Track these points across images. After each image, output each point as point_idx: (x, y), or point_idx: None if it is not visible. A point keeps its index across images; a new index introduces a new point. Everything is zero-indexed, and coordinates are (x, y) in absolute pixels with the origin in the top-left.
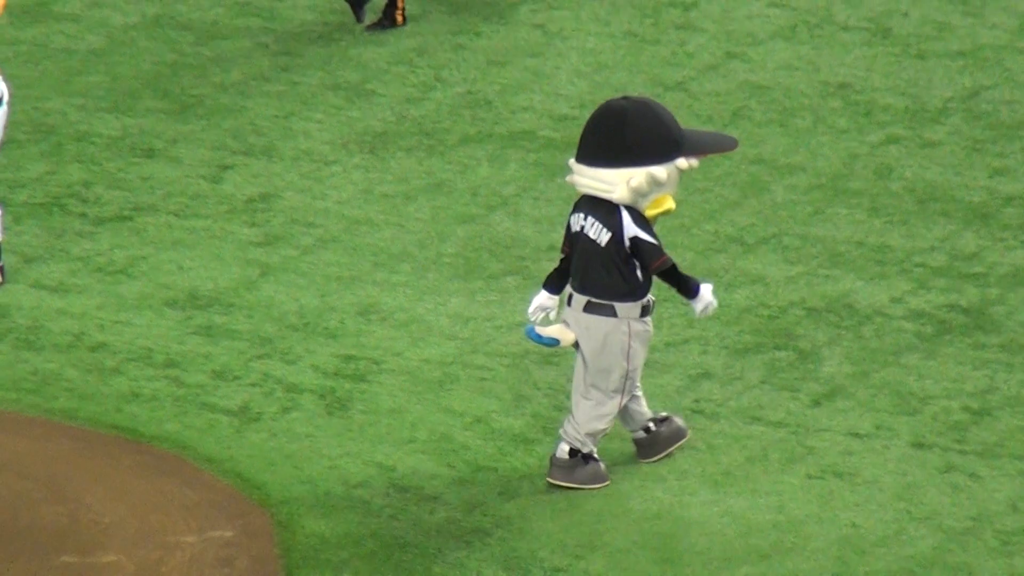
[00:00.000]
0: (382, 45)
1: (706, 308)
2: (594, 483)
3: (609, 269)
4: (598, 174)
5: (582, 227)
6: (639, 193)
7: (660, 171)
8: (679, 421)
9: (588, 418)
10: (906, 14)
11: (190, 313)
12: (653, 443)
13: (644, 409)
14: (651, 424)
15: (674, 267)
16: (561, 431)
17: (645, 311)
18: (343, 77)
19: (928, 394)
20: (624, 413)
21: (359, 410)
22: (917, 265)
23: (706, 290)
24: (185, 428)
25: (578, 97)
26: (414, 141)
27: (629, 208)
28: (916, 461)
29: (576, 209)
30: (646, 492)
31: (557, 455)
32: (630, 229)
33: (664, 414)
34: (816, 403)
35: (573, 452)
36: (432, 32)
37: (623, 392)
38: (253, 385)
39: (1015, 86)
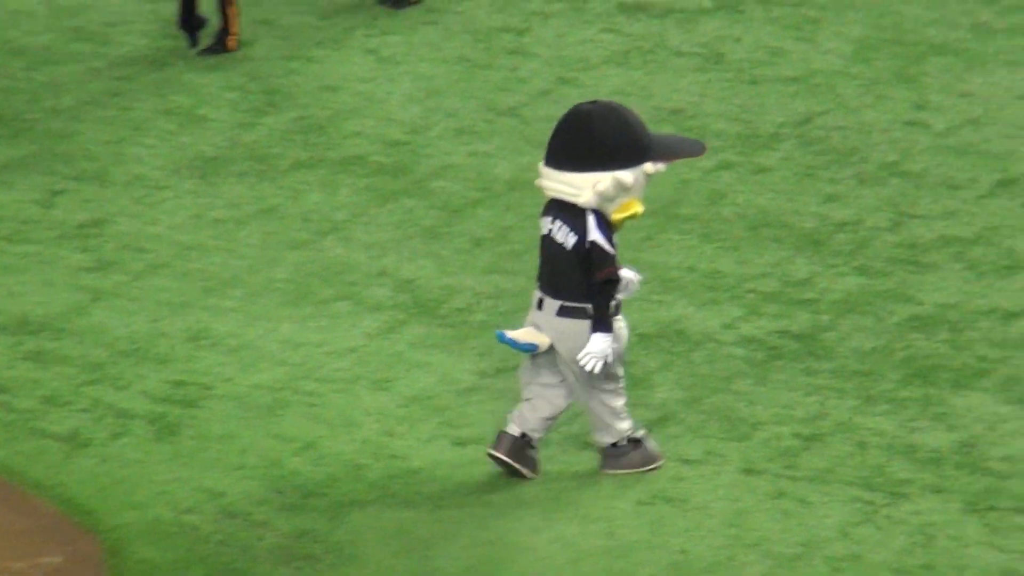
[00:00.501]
0: (214, 70)
1: (595, 353)
2: (651, 464)
3: (578, 272)
4: (565, 178)
5: (550, 230)
6: (606, 198)
7: (627, 176)
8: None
9: (611, 418)
10: (739, 40)
11: (20, 338)
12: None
13: (552, 413)
14: (533, 434)
15: (615, 284)
16: (596, 437)
17: (616, 310)
18: (175, 102)
19: (758, 420)
20: (538, 421)
21: (189, 436)
22: (748, 291)
23: (602, 339)
24: (14, 454)
25: (410, 122)
26: (246, 166)
27: (595, 212)
28: (746, 487)
29: (544, 212)
30: (477, 518)
31: (601, 446)
32: (592, 233)
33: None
34: (649, 428)
35: (614, 445)
36: (264, 57)
37: (618, 380)
38: (83, 411)
39: (847, 112)
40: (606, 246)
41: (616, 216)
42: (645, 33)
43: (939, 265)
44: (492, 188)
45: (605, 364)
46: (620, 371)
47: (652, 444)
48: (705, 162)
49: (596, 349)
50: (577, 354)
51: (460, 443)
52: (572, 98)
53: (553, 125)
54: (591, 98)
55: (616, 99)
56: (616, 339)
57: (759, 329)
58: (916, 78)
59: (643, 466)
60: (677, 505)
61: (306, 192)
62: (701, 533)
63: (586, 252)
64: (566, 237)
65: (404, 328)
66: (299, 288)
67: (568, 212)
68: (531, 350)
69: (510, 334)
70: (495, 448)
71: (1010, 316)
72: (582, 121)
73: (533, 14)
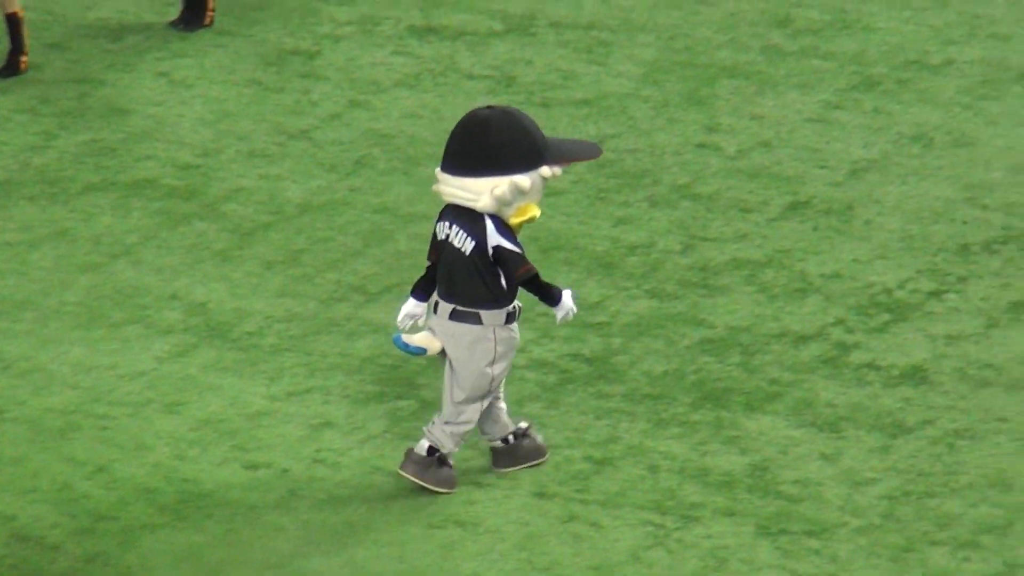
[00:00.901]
0: (4, 93)
1: (567, 314)
2: (442, 487)
3: (474, 277)
4: (463, 183)
5: (447, 235)
6: (503, 202)
7: (524, 180)
8: (539, 439)
9: (449, 425)
10: (530, 62)
11: None
12: (511, 453)
13: (506, 418)
14: (511, 436)
15: (536, 276)
16: (426, 428)
17: (510, 318)
18: None
19: (550, 443)
20: (486, 419)
21: None
22: (540, 314)
23: (567, 296)
24: None
25: (201, 145)
26: (37, 189)
27: (493, 217)
28: (538, 510)
29: (441, 217)
30: (268, 541)
31: (415, 450)
32: (493, 238)
33: (524, 425)
34: (436, 450)
35: (432, 451)
36: (55, 80)
37: (485, 398)
38: None
39: (639, 134)
40: (512, 247)
41: (513, 220)
42: (436, 56)
43: (730, 288)
44: (283, 211)
45: (497, 375)
46: (500, 383)
47: (455, 474)
48: None
49: (565, 309)
50: (465, 359)
51: (251, 467)
52: (363, 121)
53: (343, 148)
54: (384, 120)
55: (407, 122)
56: (507, 347)
57: (550, 352)
58: (707, 101)
59: (438, 486)
60: (469, 529)
61: (98, 215)
62: (492, 557)
63: (493, 258)
64: (464, 242)
65: (195, 351)
66: (91, 311)
67: (465, 217)
68: (420, 353)
69: (405, 338)
70: (495, 466)
71: (801, 339)
72: (479, 126)
73: (324, 37)
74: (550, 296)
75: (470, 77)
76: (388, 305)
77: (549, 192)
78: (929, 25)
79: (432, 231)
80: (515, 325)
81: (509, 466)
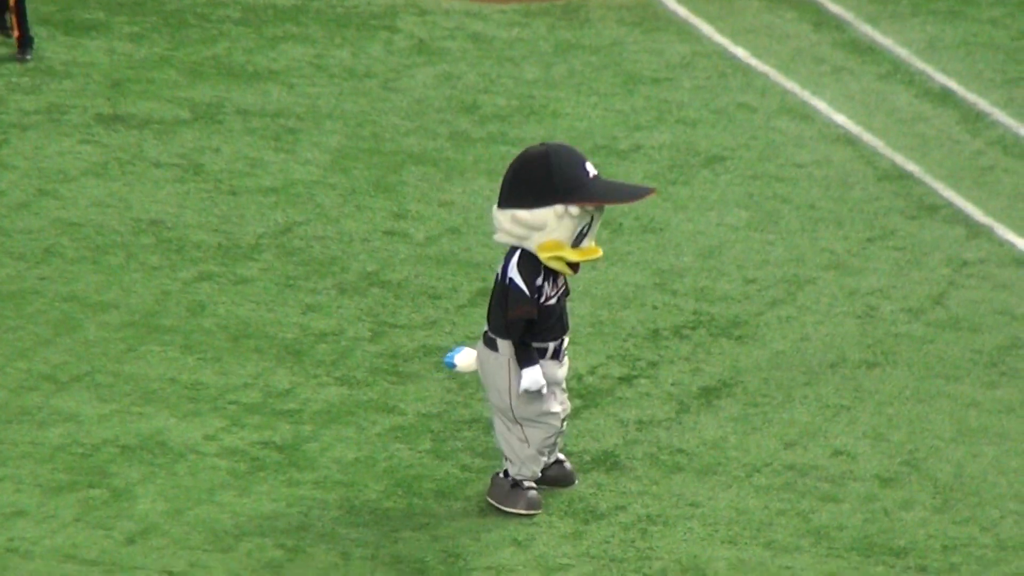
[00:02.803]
0: None
1: (529, 387)
2: (524, 510)
3: (498, 304)
4: (492, 213)
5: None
6: (512, 234)
7: (523, 214)
8: (534, 495)
9: (512, 447)
10: (217, 150)
11: None
12: (503, 488)
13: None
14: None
15: (527, 325)
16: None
17: (554, 353)
18: None
19: (242, 531)
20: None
21: None
22: (230, 402)
23: (532, 374)
24: None
25: None
26: None
27: (520, 251)
28: None
29: None
30: None
31: (497, 474)
32: (511, 271)
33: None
34: (130, 541)
35: (506, 474)
36: None
37: (527, 422)
38: None
39: (327, 222)
40: (521, 286)
41: (544, 256)
42: (123, 144)
43: (421, 375)
44: None
45: (537, 396)
46: (548, 407)
47: (538, 495)
48: (185, 273)
49: (526, 384)
50: (484, 382)
51: None
52: (52, 210)
53: (31, 237)
54: (72, 209)
55: (95, 210)
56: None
57: (241, 440)
58: (395, 187)
59: (518, 509)
60: None
61: None
62: None
63: (503, 288)
64: (498, 269)
65: None
66: None
67: (506, 247)
68: (450, 366)
69: (455, 350)
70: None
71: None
72: (513, 161)
73: (11, 126)
74: (521, 355)
75: (158, 165)
76: (78, 394)
77: (237, 280)
78: (617, 111)
79: None
80: (557, 361)
81: (497, 501)
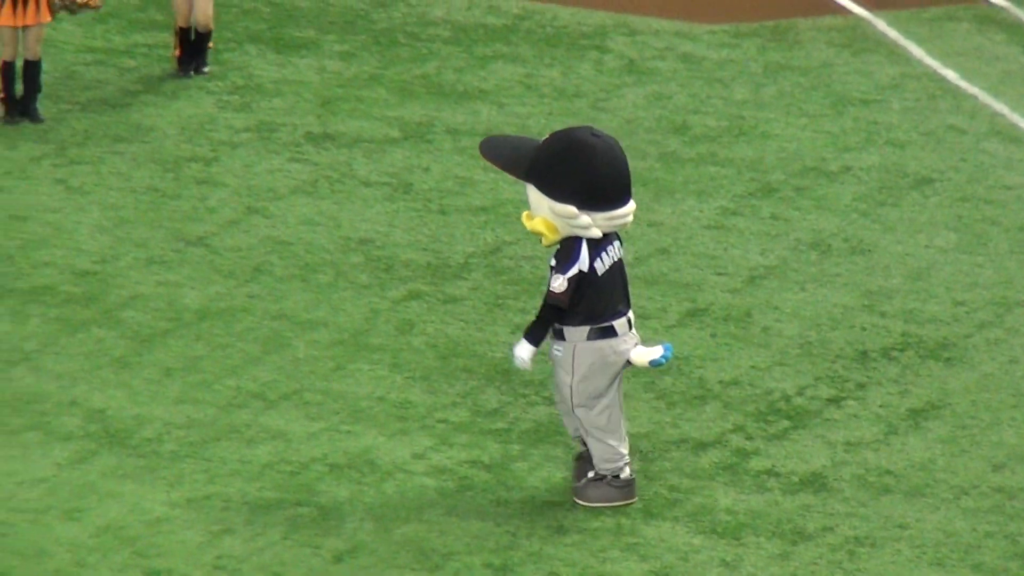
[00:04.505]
0: None
1: (517, 362)
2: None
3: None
4: None
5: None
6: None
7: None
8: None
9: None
10: (427, 169)
11: None
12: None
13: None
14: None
15: (553, 309)
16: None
17: (602, 334)
18: None
19: (450, 550)
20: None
21: None
22: (439, 421)
23: (522, 350)
24: None
25: (99, 252)
26: None
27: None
28: None
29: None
30: None
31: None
32: (551, 259)
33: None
34: (338, 559)
35: (599, 475)
36: None
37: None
38: None
39: (535, 242)
40: (557, 270)
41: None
42: (333, 162)
43: (629, 395)
44: (182, 318)
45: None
46: (600, 390)
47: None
48: (394, 292)
49: (517, 353)
50: (555, 373)
51: (151, 573)
52: (261, 228)
53: (241, 255)
54: (281, 227)
55: (305, 229)
56: (595, 360)
57: (450, 459)
58: None
59: (614, 501)
60: None
61: None
62: None
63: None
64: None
65: (95, 458)
66: None
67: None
68: (665, 359)
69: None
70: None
71: (700, 446)
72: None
73: (221, 143)
74: (533, 330)
75: (367, 184)
76: (287, 412)
77: (446, 299)
78: (826, 132)
79: None
80: (608, 342)
81: (584, 499)
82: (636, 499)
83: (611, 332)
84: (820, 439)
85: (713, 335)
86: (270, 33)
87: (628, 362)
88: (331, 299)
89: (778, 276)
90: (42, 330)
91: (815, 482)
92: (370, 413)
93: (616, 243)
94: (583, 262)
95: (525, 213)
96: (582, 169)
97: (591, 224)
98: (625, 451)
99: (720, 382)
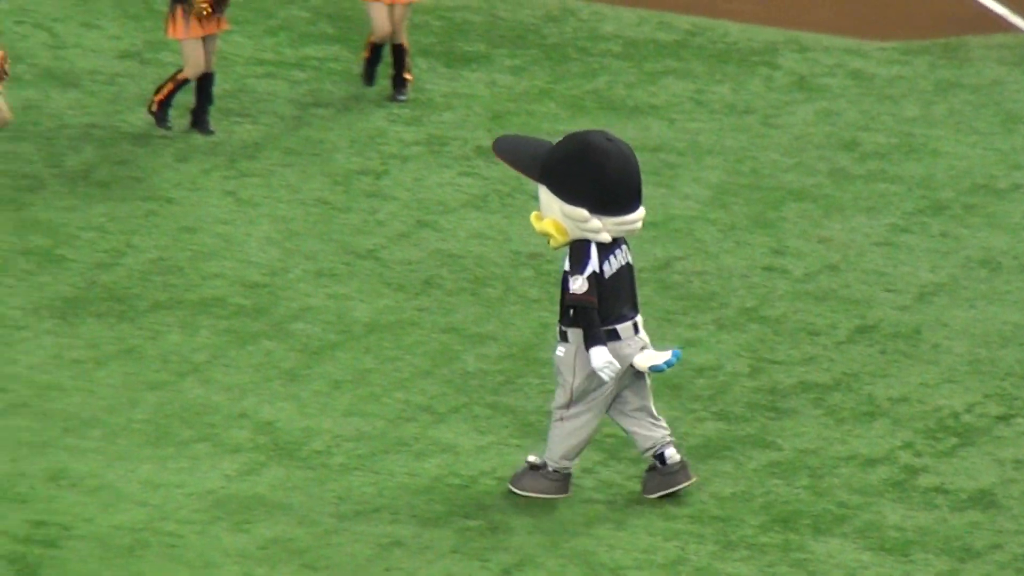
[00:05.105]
0: (73, 211)
1: (600, 370)
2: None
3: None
4: None
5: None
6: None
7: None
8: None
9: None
10: None
11: None
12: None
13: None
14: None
15: (586, 312)
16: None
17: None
18: (33, 242)
19: (619, 564)
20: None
21: None
22: (608, 436)
23: (597, 355)
24: None
25: (269, 264)
26: (104, 307)
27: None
28: None
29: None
30: None
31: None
32: (565, 262)
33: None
34: (506, 573)
35: (533, 466)
36: (123, 198)
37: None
38: None
39: (706, 257)
40: (573, 273)
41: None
42: (503, 176)
43: (798, 411)
44: (351, 331)
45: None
46: (596, 393)
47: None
48: None
49: (595, 365)
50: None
51: None
52: (431, 241)
53: (411, 268)
54: (451, 240)
55: (475, 242)
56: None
57: (618, 474)
58: (774, 223)
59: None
60: None
61: (165, 333)
62: None
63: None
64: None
65: (264, 470)
66: (159, 429)
67: None
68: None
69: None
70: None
71: (869, 463)
72: None
73: (391, 157)
74: (588, 338)
75: (537, 198)
76: (456, 425)
77: None
78: (996, 149)
79: None
80: (611, 346)
81: (651, 492)
82: (570, 493)
83: (614, 336)
84: (989, 456)
85: (883, 352)
86: (441, 47)
87: (631, 366)
88: (501, 313)
89: (948, 293)
90: (212, 342)
91: (984, 499)
92: (539, 427)
93: (624, 247)
94: (594, 263)
95: (534, 214)
96: (595, 173)
97: (601, 228)
98: (572, 465)
99: (889, 399)
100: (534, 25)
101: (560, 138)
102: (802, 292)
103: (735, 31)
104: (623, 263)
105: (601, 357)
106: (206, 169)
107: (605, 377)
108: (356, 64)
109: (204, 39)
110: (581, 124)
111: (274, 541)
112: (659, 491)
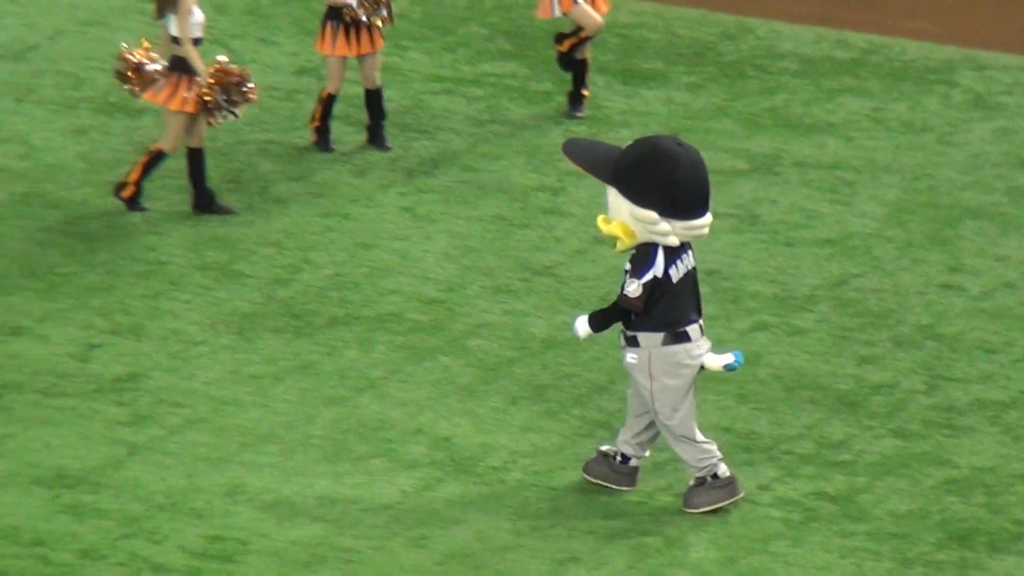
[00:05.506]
0: (250, 227)
1: (575, 329)
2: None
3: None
4: None
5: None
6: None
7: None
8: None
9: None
10: (775, 201)
11: (57, 491)
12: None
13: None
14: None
15: (625, 312)
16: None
17: (676, 339)
18: (211, 257)
19: None
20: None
21: None
22: (784, 452)
23: (581, 323)
24: None
25: (446, 280)
26: (282, 322)
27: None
28: None
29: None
30: None
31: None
32: (627, 263)
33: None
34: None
35: (699, 480)
36: (300, 214)
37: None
38: (120, 564)
39: (883, 274)
40: (631, 275)
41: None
42: None
43: (975, 428)
44: (528, 347)
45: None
46: (679, 394)
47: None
48: (740, 323)
49: (577, 325)
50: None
51: None
52: (608, 258)
53: (588, 284)
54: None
55: None
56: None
57: (795, 491)
58: (951, 241)
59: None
60: None
61: (342, 349)
62: None
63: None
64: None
65: (440, 485)
66: (335, 444)
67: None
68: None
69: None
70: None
71: None
72: None
73: (568, 173)
74: (602, 320)
75: (715, 215)
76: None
77: (792, 331)
78: None
79: None
80: (683, 347)
81: (694, 506)
82: (743, 493)
83: (685, 337)
84: None
85: None
86: (618, 64)
87: (702, 367)
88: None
89: None
90: (388, 358)
91: None
92: (716, 444)
93: (689, 251)
94: (658, 268)
95: (601, 216)
96: (666, 176)
97: (670, 232)
98: (714, 447)
99: None
100: (711, 43)
101: (630, 142)
102: (979, 310)
103: (912, 49)
104: (689, 267)
105: (583, 329)
106: (383, 185)
107: (575, 332)
108: (534, 80)
109: (361, 58)
110: (758, 142)
111: (451, 556)
112: (708, 506)
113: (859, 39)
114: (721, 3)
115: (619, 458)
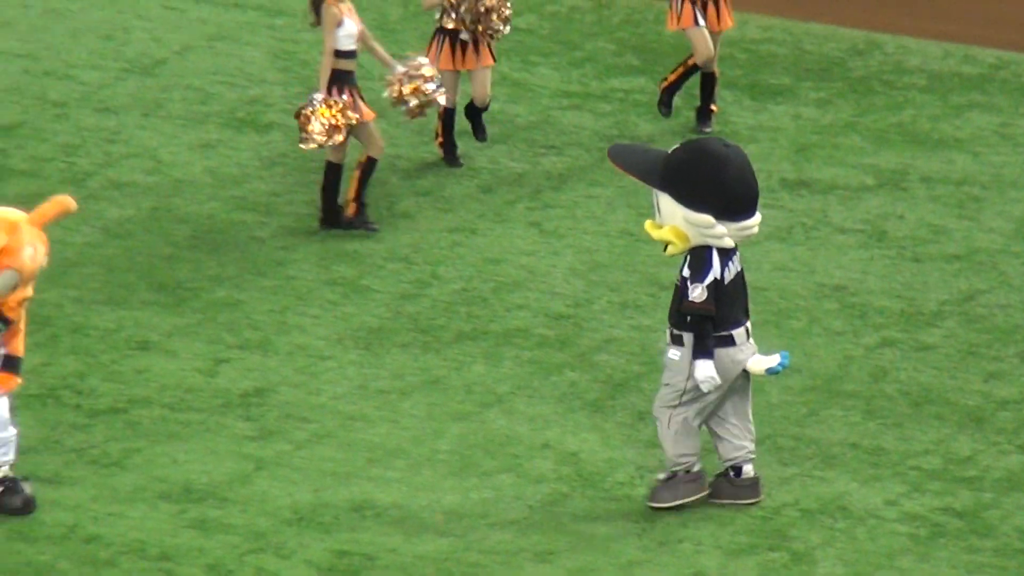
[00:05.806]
0: (378, 241)
1: (702, 383)
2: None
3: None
4: None
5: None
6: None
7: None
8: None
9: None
10: (902, 217)
11: (184, 506)
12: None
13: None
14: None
15: (702, 320)
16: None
17: (722, 342)
18: (339, 272)
19: None
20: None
21: None
22: (911, 468)
23: (702, 368)
24: None
25: (573, 296)
26: (409, 337)
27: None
28: None
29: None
30: None
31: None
32: (685, 269)
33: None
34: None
35: (671, 475)
36: (428, 229)
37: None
38: None
39: (1010, 290)
40: (692, 280)
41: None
42: (808, 209)
43: None
44: (656, 362)
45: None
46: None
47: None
48: (867, 339)
49: (697, 376)
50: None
51: None
52: None
53: None
54: (755, 272)
55: (778, 275)
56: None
57: (922, 506)
58: None
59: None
60: None
61: (470, 364)
62: None
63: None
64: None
65: (567, 501)
66: (463, 459)
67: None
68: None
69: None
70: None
71: None
72: None
73: None
74: (697, 348)
75: (842, 231)
76: (760, 457)
77: (919, 347)
78: None
79: None
80: (726, 351)
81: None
82: (708, 491)
83: (730, 341)
84: None
85: None
86: (746, 79)
87: (744, 371)
88: (804, 345)
89: None
90: (515, 372)
91: None
92: (843, 459)
93: (738, 253)
94: (716, 270)
95: (649, 222)
96: (717, 178)
97: (725, 233)
98: (697, 444)
99: None
100: (839, 58)
101: (676, 146)
102: None
103: None
104: (738, 269)
105: (705, 371)
106: (510, 200)
107: (705, 389)
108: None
109: (471, 73)
110: (886, 157)
111: (578, 571)
112: (726, 499)
113: (987, 55)
114: (850, 19)
115: (731, 472)
